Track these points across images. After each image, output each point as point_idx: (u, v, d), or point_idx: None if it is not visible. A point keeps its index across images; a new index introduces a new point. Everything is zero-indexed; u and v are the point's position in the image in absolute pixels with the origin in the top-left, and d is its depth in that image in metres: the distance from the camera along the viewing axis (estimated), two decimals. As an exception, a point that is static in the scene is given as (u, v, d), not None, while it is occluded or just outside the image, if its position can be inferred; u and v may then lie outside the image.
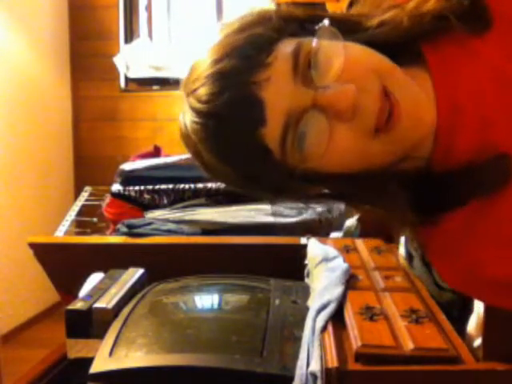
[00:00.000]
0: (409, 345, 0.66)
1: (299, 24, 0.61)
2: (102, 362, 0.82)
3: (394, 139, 0.57)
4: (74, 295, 1.13)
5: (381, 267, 0.97)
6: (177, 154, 1.72)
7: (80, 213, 2.00)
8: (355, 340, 0.67)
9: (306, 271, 1.09)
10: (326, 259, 0.98)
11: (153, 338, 0.85)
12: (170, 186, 1.63)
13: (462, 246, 0.62)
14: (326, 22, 0.58)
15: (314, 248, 1.09)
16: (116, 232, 1.51)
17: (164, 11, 3.80)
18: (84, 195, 2.14)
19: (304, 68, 0.56)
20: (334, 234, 1.46)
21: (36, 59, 3.42)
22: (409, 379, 0.65)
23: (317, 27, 0.58)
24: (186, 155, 1.53)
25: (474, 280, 0.62)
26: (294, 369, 0.71)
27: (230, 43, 0.58)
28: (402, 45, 0.62)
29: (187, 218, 1.54)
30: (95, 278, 1.17)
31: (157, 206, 1.63)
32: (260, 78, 0.55)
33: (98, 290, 1.05)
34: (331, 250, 1.03)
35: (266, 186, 0.64)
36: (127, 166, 1.72)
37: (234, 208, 1.56)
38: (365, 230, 1.35)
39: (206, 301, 1.07)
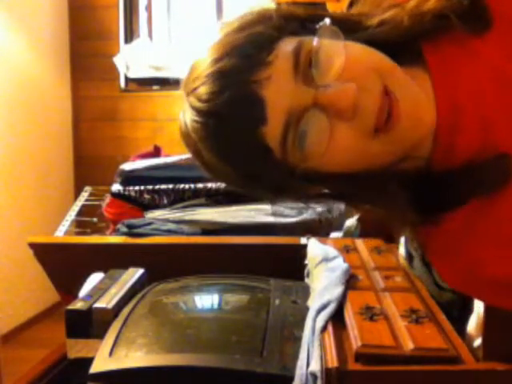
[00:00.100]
0: (409, 345, 0.66)
1: (300, 23, 0.61)
2: (102, 361, 0.82)
3: (393, 139, 0.57)
4: (74, 295, 1.13)
5: (381, 267, 0.97)
6: (177, 154, 1.72)
7: (80, 213, 2.00)
8: (355, 340, 0.67)
9: (305, 271, 1.09)
10: (326, 259, 0.98)
11: (153, 338, 0.85)
12: (170, 186, 1.63)
13: (462, 245, 0.62)
14: (327, 21, 0.58)
15: (314, 248, 1.09)
16: (116, 232, 1.51)
17: (164, 11, 3.80)
18: (84, 195, 2.14)
19: (305, 67, 0.56)
20: (334, 234, 1.46)
21: (36, 59, 3.42)
22: (409, 379, 0.65)
23: (318, 26, 0.58)
24: (186, 155, 1.53)
25: (474, 280, 0.62)
26: (293, 369, 0.71)
27: (231, 42, 0.58)
28: (402, 44, 0.62)
29: (187, 218, 1.54)
30: (95, 278, 1.17)
31: (157, 206, 1.63)
32: (260, 77, 0.55)
33: (98, 290, 1.05)
34: (331, 250, 1.03)
35: (266, 186, 0.64)
36: (127, 166, 1.72)
37: (234, 208, 1.56)
38: (365, 230, 1.35)
39: (206, 301, 1.06)
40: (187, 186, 1.62)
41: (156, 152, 2.03)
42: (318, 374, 0.65)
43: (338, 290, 0.81)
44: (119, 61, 3.54)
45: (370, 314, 0.74)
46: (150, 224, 1.50)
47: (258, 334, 0.84)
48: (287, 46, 0.57)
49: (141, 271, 1.17)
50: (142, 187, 1.64)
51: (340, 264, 0.93)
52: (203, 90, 0.57)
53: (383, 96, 0.56)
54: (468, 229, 0.61)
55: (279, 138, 0.57)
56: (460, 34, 0.61)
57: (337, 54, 0.56)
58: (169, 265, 1.21)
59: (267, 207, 1.52)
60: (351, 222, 1.40)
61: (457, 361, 0.66)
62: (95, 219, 1.98)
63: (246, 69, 0.56)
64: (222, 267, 1.13)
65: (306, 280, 1.07)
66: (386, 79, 0.56)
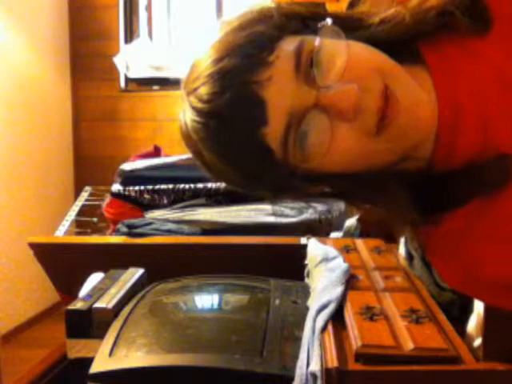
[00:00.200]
0: (409, 345, 0.66)
1: (301, 21, 0.61)
2: (102, 362, 0.82)
3: (393, 136, 0.57)
4: (73, 295, 1.13)
5: (381, 267, 0.97)
6: (177, 154, 1.72)
7: (80, 213, 2.00)
8: (355, 340, 0.67)
9: (305, 271, 1.09)
10: (326, 259, 0.98)
11: (153, 338, 0.85)
12: (170, 186, 1.63)
13: (462, 245, 0.62)
14: (329, 20, 0.58)
15: (314, 248, 1.09)
16: (116, 232, 1.51)
17: (164, 11, 3.80)
18: (84, 195, 2.14)
19: (306, 67, 0.56)
20: (334, 234, 1.46)
21: (36, 59, 3.42)
22: (409, 379, 0.65)
23: (319, 25, 0.58)
24: (186, 155, 1.53)
25: (474, 280, 0.62)
26: (294, 369, 0.71)
27: (231, 41, 0.57)
28: (403, 43, 0.61)
29: (187, 218, 1.54)
30: (95, 278, 1.17)
31: (157, 206, 1.63)
32: (262, 78, 0.55)
33: (98, 290, 1.05)
34: (331, 250, 1.03)
35: (266, 186, 0.64)
36: (127, 166, 1.71)
37: (234, 208, 1.56)
38: (365, 230, 1.35)
39: (206, 301, 1.06)
40: (187, 186, 1.62)
41: (156, 152, 2.03)
42: (318, 374, 0.65)
43: (337, 290, 0.81)
44: (119, 61, 3.54)
45: (369, 314, 0.74)
46: (149, 224, 1.50)
47: (258, 333, 0.84)
48: (288, 45, 0.56)
49: (141, 271, 1.17)
50: (142, 187, 1.64)
51: (340, 264, 0.93)
52: (204, 91, 0.57)
53: (384, 96, 0.55)
54: (468, 229, 0.61)
55: (280, 139, 0.57)
56: (460, 35, 0.61)
57: (338, 54, 0.56)
58: (169, 265, 1.21)
59: (267, 207, 1.52)
60: (351, 221, 1.40)
61: (457, 361, 0.66)
62: (95, 219, 1.98)
63: (246, 69, 0.55)
64: (222, 267, 1.13)
65: (306, 280, 1.07)
66: (388, 79, 0.56)
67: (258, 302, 0.97)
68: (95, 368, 0.81)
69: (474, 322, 0.83)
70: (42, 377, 1.03)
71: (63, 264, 1.45)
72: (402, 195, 0.61)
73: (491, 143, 0.59)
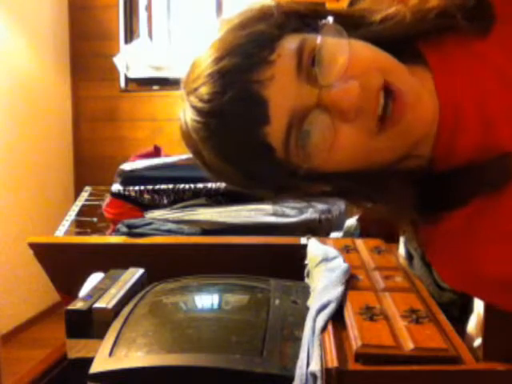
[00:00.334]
0: (409, 345, 0.66)
1: (301, 19, 0.60)
2: (102, 362, 0.82)
3: (395, 134, 0.57)
4: (73, 295, 1.13)
5: (381, 267, 0.97)
6: (177, 154, 1.72)
7: (80, 213, 2.00)
8: (355, 340, 0.67)
9: (305, 271, 1.09)
10: (326, 259, 0.98)
11: (153, 338, 0.85)
12: (170, 186, 1.63)
13: (462, 245, 0.62)
14: (330, 18, 0.58)
15: (314, 248, 1.09)
16: (116, 232, 1.51)
17: (164, 11, 3.80)
18: (84, 195, 2.13)
19: (308, 66, 0.55)
20: (334, 234, 1.46)
21: (36, 59, 3.42)
22: (409, 379, 0.65)
23: (320, 24, 0.57)
24: (185, 155, 1.53)
25: (474, 279, 0.62)
26: (294, 369, 0.71)
27: (231, 40, 0.57)
28: (404, 42, 0.61)
29: (187, 218, 1.54)
30: (95, 278, 1.16)
31: (157, 206, 1.63)
32: (263, 77, 0.55)
33: (98, 290, 1.05)
34: (331, 250, 1.03)
35: (268, 185, 0.64)
36: (127, 166, 1.71)
37: (234, 208, 1.55)
38: (365, 230, 1.35)
39: (206, 301, 1.06)
40: (187, 186, 1.61)
41: (156, 152, 2.02)
42: (318, 374, 0.65)
43: (337, 290, 0.81)
44: (119, 61, 3.54)
45: (369, 314, 0.74)
46: (149, 224, 1.50)
47: (258, 333, 0.84)
48: (290, 44, 0.56)
49: (141, 271, 1.16)
50: (142, 187, 1.63)
51: (340, 264, 0.93)
52: (204, 90, 0.57)
53: (386, 92, 0.55)
54: (468, 228, 0.61)
55: (282, 138, 0.56)
56: (462, 34, 0.61)
57: (340, 52, 0.56)
58: (169, 265, 1.21)
59: (267, 207, 1.52)
60: (351, 221, 1.40)
61: (457, 361, 0.66)
62: (95, 219, 1.98)
63: (247, 68, 0.55)
64: (222, 267, 1.13)
65: (306, 280, 1.07)
66: (389, 77, 0.56)
67: (258, 302, 0.97)
68: (95, 368, 0.81)
69: (473, 322, 0.83)
70: (42, 377, 1.03)
71: (63, 264, 1.45)
72: (403, 194, 0.61)
73: (492, 143, 0.59)
